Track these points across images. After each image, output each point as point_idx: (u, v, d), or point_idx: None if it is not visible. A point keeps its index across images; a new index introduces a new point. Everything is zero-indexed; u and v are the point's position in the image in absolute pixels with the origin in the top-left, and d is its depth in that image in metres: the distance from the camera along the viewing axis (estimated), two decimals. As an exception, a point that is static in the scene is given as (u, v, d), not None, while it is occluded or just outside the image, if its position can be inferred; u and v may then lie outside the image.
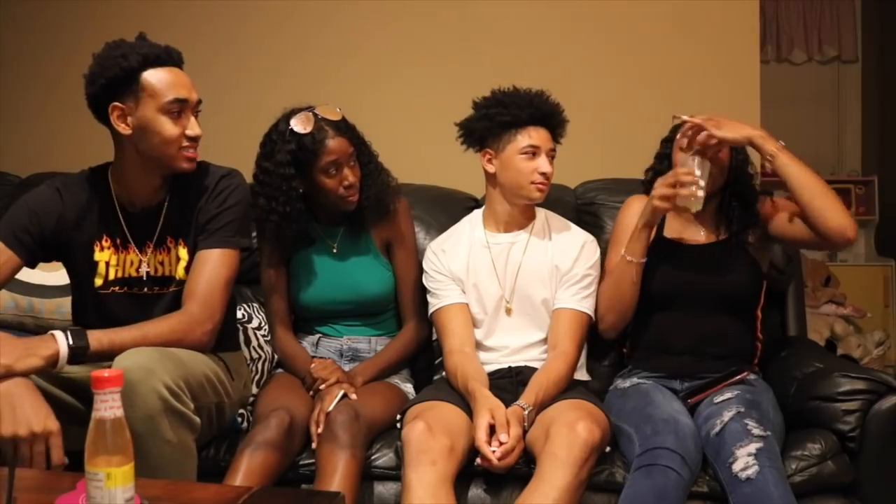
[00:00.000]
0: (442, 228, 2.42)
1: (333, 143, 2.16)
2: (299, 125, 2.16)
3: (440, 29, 3.08)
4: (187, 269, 1.98)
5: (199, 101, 1.95)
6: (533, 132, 2.16)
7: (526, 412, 1.97)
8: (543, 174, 2.16)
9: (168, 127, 1.89)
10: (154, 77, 1.88)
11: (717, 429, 1.90)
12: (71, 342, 1.73)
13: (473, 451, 1.98)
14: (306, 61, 3.10)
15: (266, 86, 3.08)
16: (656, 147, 3.01)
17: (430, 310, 2.26)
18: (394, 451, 2.06)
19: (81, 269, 2.02)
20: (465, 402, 2.05)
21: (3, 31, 3.22)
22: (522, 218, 2.27)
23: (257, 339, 2.35)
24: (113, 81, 1.87)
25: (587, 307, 2.20)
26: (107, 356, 1.76)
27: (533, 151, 2.16)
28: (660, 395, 2.07)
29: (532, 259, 2.23)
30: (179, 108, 1.89)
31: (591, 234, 2.33)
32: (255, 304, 2.48)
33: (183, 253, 1.99)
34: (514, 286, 2.22)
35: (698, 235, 2.26)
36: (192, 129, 1.92)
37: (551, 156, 2.19)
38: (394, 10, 3.08)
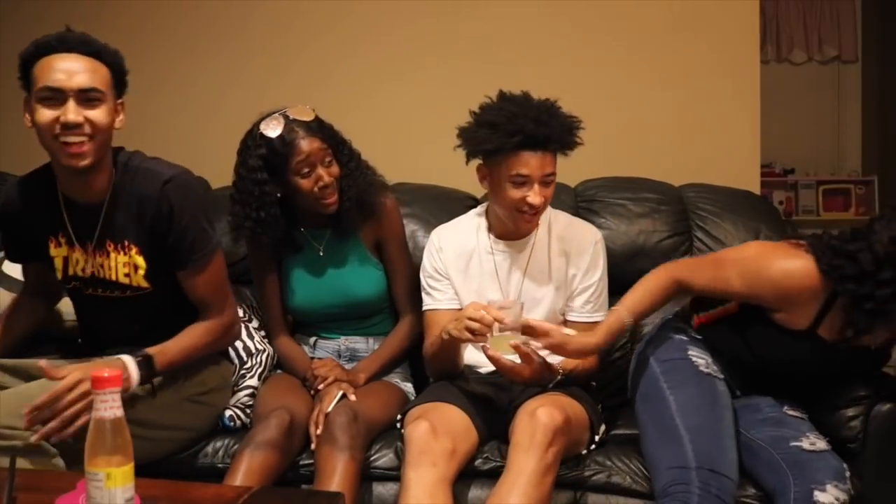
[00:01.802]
0: (441, 228, 2.39)
1: (304, 143, 2.12)
2: (268, 128, 2.14)
3: (439, 29, 3.07)
4: (148, 277, 1.95)
5: (88, 90, 1.80)
6: (523, 159, 2.00)
7: (559, 376, 2.04)
8: (531, 205, 2.04)
9: (40, 114, 1.80)
10: (38, 66, 1.81)
11: (806, 447, 1.84)
12: (140, 372, 1.84)
13: (475, 451, 1.99)
14: (306, 62, 3.10)
15: (265, 86, 3.08)
16: (656, 146, 3.02)
17: (423, 307, 2.25)
18: (394, 452, 2.06)
19: (47, 263, 2.03)
20: (467, 403, 2.04)
21: (2, 31, 3.22)
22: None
23: (258, 335, 2.35)
24: (21, 77, 1.85)
25: (602, 315, 2.18)
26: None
27: (522, 181, 2.02)
28: (726, 398, 1.94)
29: (537, 269, 2.19)
30: (52, 96, 1.79)
31: None
32: (255, 304, 2.49)
33: (140, 261, 1.94)
34: (518, 296, 2.17)
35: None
36: (65, 114, 1.77)
37: (546, 181, 2.04)
38: (394, 10, 3.08)
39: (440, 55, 3.07)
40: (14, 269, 2.44)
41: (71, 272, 1.99)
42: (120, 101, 1.90)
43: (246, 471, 1.87)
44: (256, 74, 3.11)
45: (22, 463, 1.53)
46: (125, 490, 1.16)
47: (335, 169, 2.18)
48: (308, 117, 2.16)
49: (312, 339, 2.35)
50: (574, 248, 2.18)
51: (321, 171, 2.14)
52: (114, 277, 1.95)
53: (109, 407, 1.15)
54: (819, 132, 5.77)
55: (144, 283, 1.95)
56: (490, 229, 2.23)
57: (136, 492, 1.19)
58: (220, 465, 2.03)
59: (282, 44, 3.12)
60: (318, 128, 2.16)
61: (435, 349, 2.13)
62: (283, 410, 1.99)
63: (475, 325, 1.91)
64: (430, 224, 2.45)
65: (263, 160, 2.15)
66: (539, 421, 1.83)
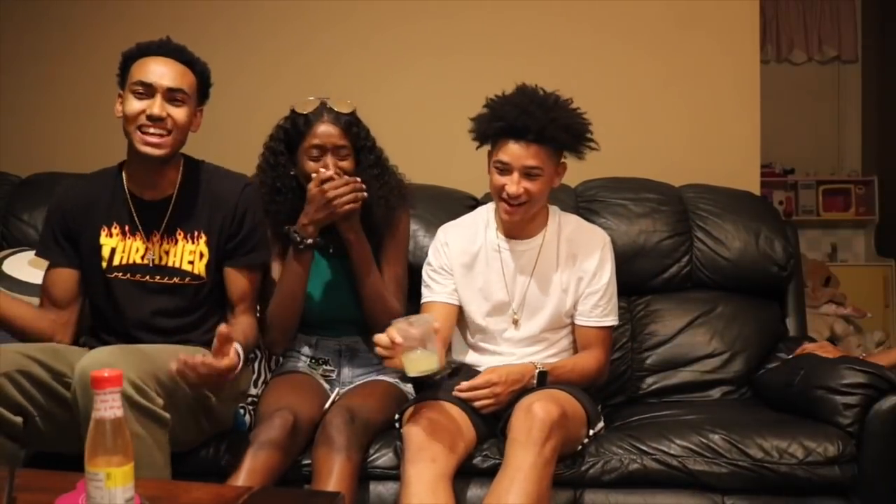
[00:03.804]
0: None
1: (322, 127, 2.13)
2: (300, 105, 2.17)
3: (440, 28, 3.07)
4: (209, 266, 2.08)
5: (175, 90, 2.00)
6: (505, 146, 2.04)
7: (537, 370, 2.04)
8: (509, 195, 2.05)
9: (129, 104, 1.99)
10: (137, 64, 2.02)
11: None
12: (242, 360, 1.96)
13: (473, 449, 1.99)
14: (306, 59, 3.10)
15: (262, 86, 3.08)
16: (656, 146, 3.03)
17: (422, 300, 2.22)
18: (393, 451, 2.06)
19: (87, 253, 2.09)
20: (464, 401, 2.03)
21: (3, 31, 3.22)
22: (533, 224, 2.18)
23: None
24: (119, 74, 2.06)
25: (612, 320, 2.18)
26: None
27: (502, 168, 2.06)
28: None
29: (543, 271, 2.17)
30: (144, 90, 1.98)
31: None
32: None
33: (206, 250, 2.08)
34: (524, 297, 2.17)
35: None
36: (152, 107, 1.97)
37: (528, 173, 2.04)
38: (393, 9, 3.08)
39: (441, 54, 3.07)
40: (14, 269, 2.44)
41: (117, 262, 2.07)
42: (200, 108, 2.09)
43: (249, 470, 1.86)
44: (254, 74, 3.11)
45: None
46: (125, 490, 1.16)
47: (347, 164, 2.16)
48: (343, 109, 2.17)
49: (314, 339, 2.34)
50: (581, 250, 2.17)
51: (329, 159, 2.14)
52: (178, 265, 2.07)
53: (109, 407, 1.15)
54: (819, 132, 5.77)
55: (203, 273, 2.08)
56: (498, 227, 2.22)
57: (136, 492, 1.19)
58: (221, 463, 2.02)
59: (279, 43, 3.12)
60: (347, 122, 2.16)
61: None
62: (287, 411, 1.98)
63: (383, 353, 1.84)
64: (431, 224, 2.46)
65: (285, 132, 2.20)
66: (535, 416, 1.83)
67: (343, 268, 2.29)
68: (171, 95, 2.00)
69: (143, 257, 2.07)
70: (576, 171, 2.46)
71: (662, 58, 3.02)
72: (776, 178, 5.48)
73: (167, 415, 1.78)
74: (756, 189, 2.95)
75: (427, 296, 2.21)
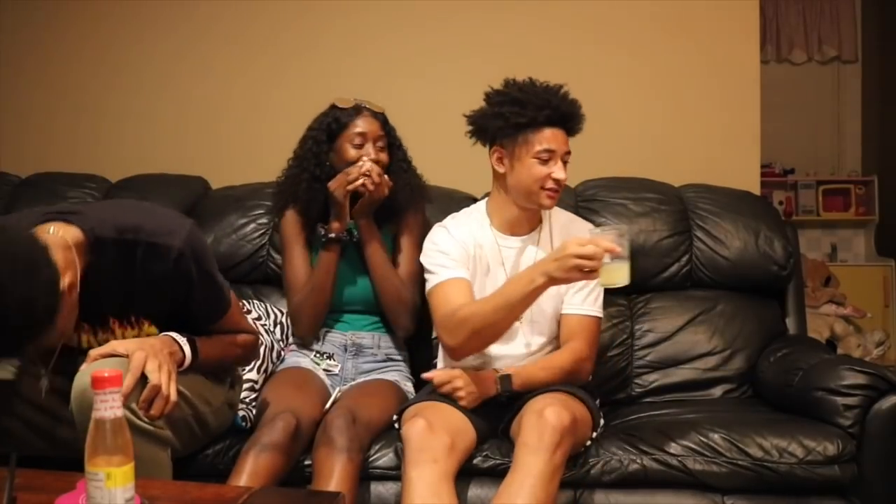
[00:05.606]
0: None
1: (365, 121, 2.32)
2: (341, 102, 2.35)
3: (439, 30, 3.07)
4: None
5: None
6: (549, 135, 2.05)
7: (497, 375, 2.04)
8: (556, 181, 2.07)
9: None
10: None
11: None
12: (190, 354, 1.78)
13: (473, 449, 1.99)
14: (307, 62, 3.10)
15: (267, 87, 3.08)
16: (656, 146, 3.03)
17: (429, 286, 2.12)
18: (394, 452, 2.05)
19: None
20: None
21: (3, 31, 3.22)
22: (530, 221, 2.19)
23: (257, 327, 2.35)
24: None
25: (597, 310, 2.15)
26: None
27: (548, 157, 2.06)
28: None
29: None
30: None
31: None
32: (254, 301, 2.51)
33: (154, 331, 1.82)
34: None
35: None
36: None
37: (566, 160, 2.09)
38: (395, 11, 3.08)
39: (438, 56, 3.07)
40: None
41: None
42: None
43: (251, 472, 1.86)
44: (258, 75, 3.11)
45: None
46: (125, 490, 1.16)
47: (384, 156, 2.34)
48: (378, 109, 2.36)
49: (322, 331, 2.36)
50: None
51: (371, 148, 2.30)
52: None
53: (109, 407, 1.15)
54: (819, 132, 5.78)
55: None
56: (493, 225, 2.20)
57: (136, 492, 1.19)
58: (220, 466, 2.02)
59: (283, 44, 3.12)
60: (384, 119, 2.37)
61: (495, 312, 1.96)
62: (290, 413, 1.98)
63: (589, 264, 1.81)
64: (430, 223, 2.45)
65: (327, 126, 2.35)
66: (547, 421, 1.82)
67: (358, 258, 2.35)
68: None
69: (88, 341, 1.82)
70: (576, 171, 2.47)
71: (662, 58, 3.02)
72: (776, 178, 5.48)
73: (167, 432, 1.70)
74: (756, 189, 2.95)
75: (434, 280, 2.11)
